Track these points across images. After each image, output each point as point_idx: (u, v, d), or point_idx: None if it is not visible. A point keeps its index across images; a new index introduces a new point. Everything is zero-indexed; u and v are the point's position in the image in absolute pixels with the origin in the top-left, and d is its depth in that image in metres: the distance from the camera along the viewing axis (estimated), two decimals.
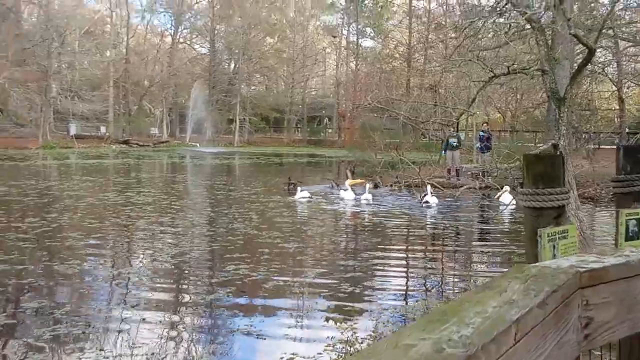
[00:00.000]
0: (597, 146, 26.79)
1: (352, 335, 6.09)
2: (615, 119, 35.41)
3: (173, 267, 9.32)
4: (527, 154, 3.16)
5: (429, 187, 17.07)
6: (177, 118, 66.35)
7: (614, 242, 3.57)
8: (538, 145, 27.48)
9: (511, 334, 1.16)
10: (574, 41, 10.52)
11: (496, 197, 17.36)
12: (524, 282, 1.45)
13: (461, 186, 18.89)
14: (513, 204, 15.65)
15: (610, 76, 27.56)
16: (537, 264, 1.83)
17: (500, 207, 15.88)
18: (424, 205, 16.63)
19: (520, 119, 42.58)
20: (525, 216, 3.09)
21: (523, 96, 42.62)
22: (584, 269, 1.64)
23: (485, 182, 19.43)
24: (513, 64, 10.82)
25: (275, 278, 8.58)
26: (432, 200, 16.69)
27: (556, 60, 10.26)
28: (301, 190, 17.93)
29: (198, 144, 57.18)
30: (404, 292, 8.20)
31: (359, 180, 19.72)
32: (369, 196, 17.35)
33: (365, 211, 16.13)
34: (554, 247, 2.86)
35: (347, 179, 19.66)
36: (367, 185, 18.02)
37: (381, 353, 0.97)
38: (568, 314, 1.51)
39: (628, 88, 30.65)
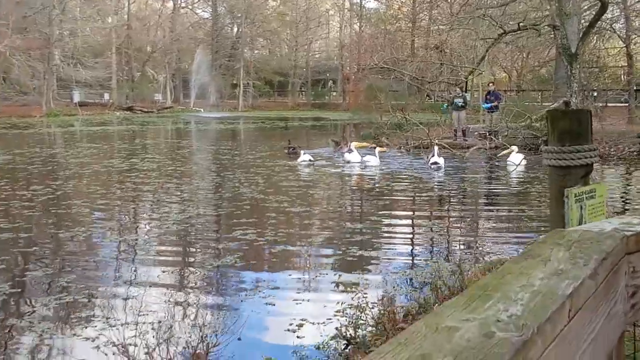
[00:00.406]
0: (605, 104, 26.40)
1: (362, 299, 5.96)
2: (622, 76, 34.96)
3: (180, 232, 9.22)
4: (552, 109, 2.99)
5: (436, 148, 16.84)
6: (180, 84, 65.78)
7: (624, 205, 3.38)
8: (545, 104, 27.23)
9: (565, 310, 1.00)
10: None
11: (500, 154, 17.13)
12: (568, 249, 1.29)
13: (470, 147, 18.67)
14: (523, 164, 15.46)
15: (618, 32, 27.11)
16: (576, 228, 1.66)
17: (509, 168, 15.68)
18: (432, 166, 16.43)
19: (526, 78, 42.10)
20: (550, 176, 2.92)
21: (529, 55, 42.11)
22: (630, 233, 1.47)
23: (494, 142, 19.21)
24: (522, 21, 10.52)
25: (282, 243, 8.46)
26: (440, 161, 16.48)
27: (567, 15, 9.99)
28: (304, 154, 17.72)
29: (202, 109, 56.83)
30: (412, 256, 8.09)
31: (365, 143, 19.51)
32: (376, 159, 17.12)
33: (371, 174, 15.97)
34: (581, 207, 2.70)
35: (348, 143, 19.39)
36: (377, 149, 17.76)
37: (421, 339, 0.81)
38: (616, 283, 1.35)
39: (635, 44, 30.13)
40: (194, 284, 6.95)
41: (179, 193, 12.68)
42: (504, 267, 1.18)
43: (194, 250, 8.44)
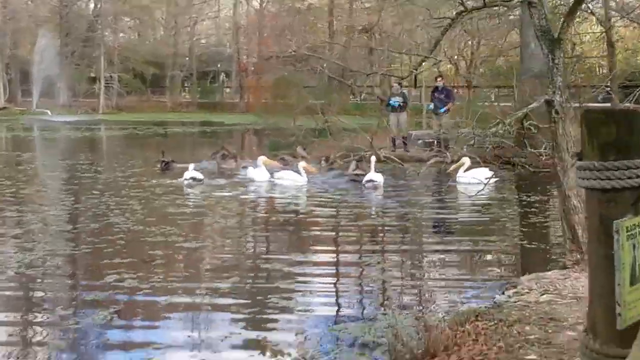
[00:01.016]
0: (581, 104, 27.26)
1: None
2: (599, 69, 36.31)
3: (24, 283, 8.71)
4: (590, 110, 2.83)
5: (373, 160, 16.89)
6: (17, 77, 64.14)
7: None
8: (504, 104, 27.88)
9: None
10: None
11: (450, 169, 17.36)
12: None
13: (418, 159, 18.81)
14: (485, 182, 15.79)
15: (597, 14, 28.11)
16: None
17: (460, 186, 15.90)
18: (366, 185, 16.48)
19: (478, 71, 43.11)
20: (589, 202, 2.77)
21: (481, 41, 43.22)
22: None
23: (447, 153, 19.44)
24: None
25: (172, 291, 8.16)
26: (378, 178, 16.56)
27: None
28: (191, 169, 17.65)
29: (49, 111, 55.50)
30: (336, 310, 7.88)
31: (274, 162, 19.27)
32: (302, 177, 17.02)
33: (286, 195, 15.90)
34: (634, 246, 2.55)
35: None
36: (301, 163, 17.69)
37: None
38: None
39: (619, 29, 31.40)
40: (45, 354, 6.51)
41: (22, 225, 12.16)
42: None
43: (47, 305, 7.96)
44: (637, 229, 2.58)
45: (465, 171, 16.80)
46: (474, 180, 16.22)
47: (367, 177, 16.71)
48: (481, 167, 16.13)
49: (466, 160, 16.91)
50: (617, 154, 2.65)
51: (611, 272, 2.58)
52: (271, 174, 17.74)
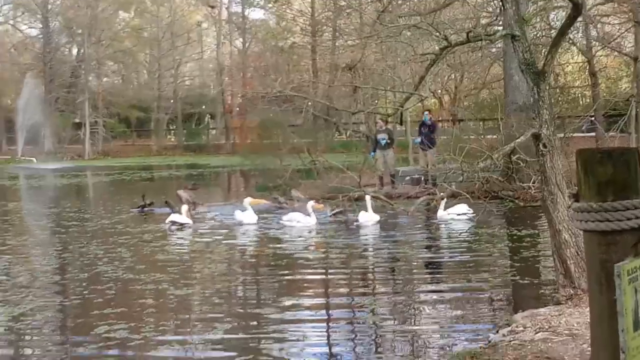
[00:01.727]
0: (565, 135, 27.37)
1: None
2: (581, 99, 36.51)
3: (13, 339, 8.57)
4: (585, 149, 2.79)
5: (368, 199, 16.85)
6: (2, 125, 64.08)
7: None
8: (489, 136, 27.96)
9: None
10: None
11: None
12: None
13: (406, 196, 18.76)
14: (465, 216, 16.28)
15: (578, 44, 28.29)
16: None
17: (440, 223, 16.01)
18: (362, 224, 16.65)
19: (462, 104, 43.37)
20: (588, 245, 2.72)
21: (464, 74, 43.51)
22: None
23: (436, 190, 19.41)
24: (470, 31, 10.62)
25: (166, 341, 8.06)
26: (373, 218, 16.76)
27: (527, 22, 10.19)
28: (173, 212, 17.91)
29: (34, 159, 55.33)
30: (327, 354, 7.78)
31: (262, 200, 19.42)
32: (311, 218, 16.99)
33: (273, 237, 15.80)
34: (635, 290, 2.50)
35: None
36: (310, 202, 17.54)
37: None
38: None
39: (600, 57, 31.59)
40: None
41: (10, 277, 12.01)
42: None
43: (38, 358, 7.84)
44: (638, 271, 2.54)
45: (445, 209, 16.89)
46: (456, 217, 16.44)
47: (363, 217, 16.81)
48: (460, 203, 16.22)
49: (443, 195, 17.07)
50: (615, 194, 2.60)
51: (614, 318, 2.53)
52: (278, 215, 18.06)
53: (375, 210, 17.01)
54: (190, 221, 17.42)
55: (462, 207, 16.50)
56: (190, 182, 21.55)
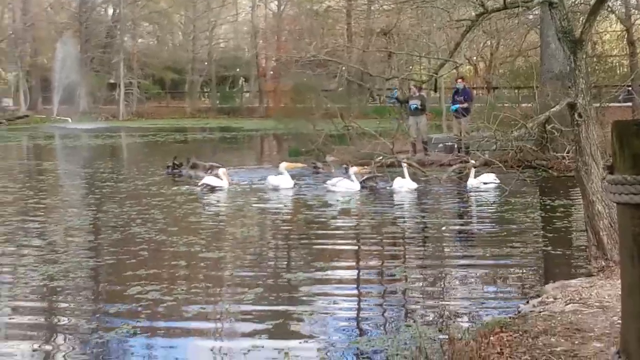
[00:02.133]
0: (601, 105, 27.06)
1: None
2: (619, 68, 35.99)
3: (48, 295, 8.70)
4: (620, 120, 2.75)
5: (405, 167, 16.82)
6: (38, 85, 64.51)
7: None
8: (525, 104, 27.71)
9: None
10: None
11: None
12: None
13: (440, 164, 18.69)
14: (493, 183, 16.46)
15: (616, 12, 27.87)
16: None
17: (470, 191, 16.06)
18: (401, 190, 16.70)
19: (498, 72, 42.96)
20: (621, 218, 2.69)
21: (500, 41, 43.04)
22: None
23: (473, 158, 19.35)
24: None
25: (197, 302, 8.14)
26: (411, 185, 16.78)
27: None
28: (209, 173, 18.24)
29: (69, 119, 55.78)
30: (359, 322, 7.78)
31: (299, 164, 19.42)
32: (354, 182, 16.99)
33: (308, 203, 15.77)
34: None
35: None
36: (352, 168, 17.48)
37: None
38: None
39: (639, 27, 31.10)
40: None
41: (44, 237, 12.14)
42: None
43: (70, 318, 7.92)
44: None
45: (475, 177, 16.87)
46: (483, 185, 16.43)
47: (399, 183, 16.82)
48: (488, 172, 16.20)
49: (471, 164, 17.11)
50: None
51: None
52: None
53: (411, 178, 17.02)
54: (224, 184, 17.49)
55: (490, 176, 16.48)
56: (172, 157, 21.45)
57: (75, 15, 66.12)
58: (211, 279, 9.41)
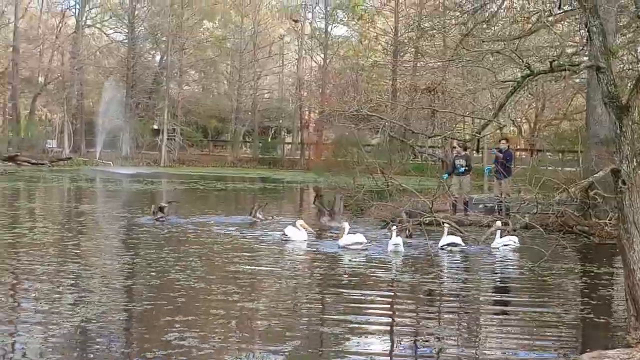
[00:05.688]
0: None
1: None
2: None
3: (83, 338, 8.77)
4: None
5: (446, 228, 16.84)
6: (82, 127, 65.35)
7: None
8: (568, 169, 27.62)
9: None
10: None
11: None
12: None
13: (488, 225, 18.60)
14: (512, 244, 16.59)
15: None
16: None
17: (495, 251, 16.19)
18: (443, 249, 16.60)
19: (542, 134, 42.88)
20: None
21: (545, 104, 43.04)
22: None
23: (511, 220, 19.27)
24: (554, 60, 10.60)
25: (234, 351, 8.18)
26: (458, 240, 16.79)
27: (613, 54, 10.11)
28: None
29: (111, 163, 56.45)
30: None
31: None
32: (398, 240, 16.68)
33: (343, 258, 15.79)
34: None
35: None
36: (393, 227, 17.41)
37: None
38: None
39: None
40: None
41: (83, 279, 12.26)
42: None
43: None
44: None
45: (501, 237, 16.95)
46: (502, 246, 16.50)
47: (444, 241, 16.75)
48: (510, 234, 16.32)
49: (498, 224, 17.23)
50: None
51: None
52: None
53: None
54: (304, 237, 17.72)
55: (513, 238, 16.75)
56: (166, 200, 21.83)
57: (123, 60, 67.19)
58: (248, 328, 9.45)
